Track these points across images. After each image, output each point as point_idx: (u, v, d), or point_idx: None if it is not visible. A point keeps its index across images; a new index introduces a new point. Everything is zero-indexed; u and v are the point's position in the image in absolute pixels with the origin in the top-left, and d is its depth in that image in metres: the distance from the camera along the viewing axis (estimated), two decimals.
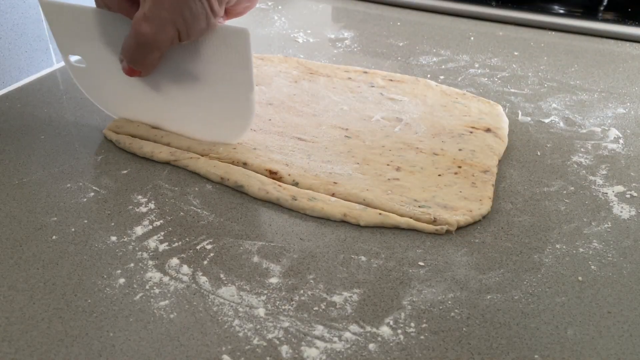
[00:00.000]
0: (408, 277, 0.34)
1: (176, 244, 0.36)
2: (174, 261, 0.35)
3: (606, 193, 0.43)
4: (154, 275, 0.34)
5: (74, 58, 0.45)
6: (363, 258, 0.36)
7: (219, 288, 0.33)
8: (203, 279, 0.34)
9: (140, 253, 0.35)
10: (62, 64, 0.60)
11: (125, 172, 0.43)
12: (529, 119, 0.53)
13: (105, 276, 0.34)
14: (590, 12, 0.77)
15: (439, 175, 0.43)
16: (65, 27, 0.42)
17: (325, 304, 0.32)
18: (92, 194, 0.41)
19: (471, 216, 0.39)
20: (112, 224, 0.38)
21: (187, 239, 0.37)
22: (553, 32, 0.75)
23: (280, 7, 0.80)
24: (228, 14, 0.41)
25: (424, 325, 0.31)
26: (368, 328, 0.31)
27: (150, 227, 0.38)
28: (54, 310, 0.31)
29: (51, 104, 0.52)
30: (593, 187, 0.43)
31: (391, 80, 0.57)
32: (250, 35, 0.37)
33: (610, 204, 0.41)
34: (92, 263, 0.34)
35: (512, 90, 0.58)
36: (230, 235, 0.37)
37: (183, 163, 0.44)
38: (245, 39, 0.37)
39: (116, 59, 0.41)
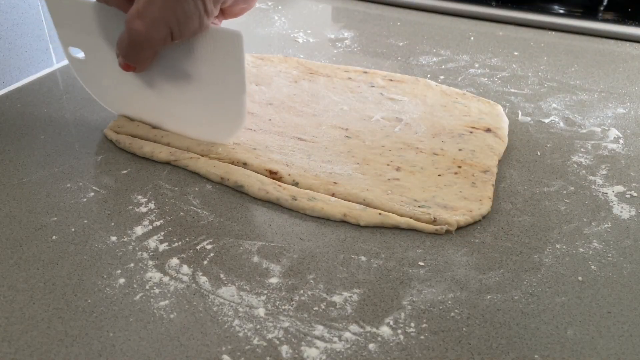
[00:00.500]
0: (408, 277, 0.34)
1: (176, 244, 0.36)
2: (174, 261, 0.35)
3: (606, 193, 0.43)
4: (154, 275, 0.34)
5: (74, 50, 0.45)
6: (363, 258, 0.36)
7: (219, 288, 0.33)
8: (203, 279, 0.34)
9: (140, 253, 0.35)
10: (62, 64, 0.60)
11: (125, 172, 0.43)
12: (529, 119, 0.53)
13: (105, 276, 0.34)
14: (590, 12, 0.77)
15: (439, 175, 0.43)
16: (66, 19, 0.43)
17: (325, 304, 0.32)
18: (92, 194, 0.41)
19: (471, 216, 0.39)
20: (112, 224, 0.38)
21: (187, 239, 0.37)
22: (553, 32, 0.75)
23: (280, 7, 0.80)
24: (225, 14, 0.41)
25: (424, 325, 0.31)
26: (368, 328, 0.31)
27: (150, 227, 0.38)
28: (54, 310, 0.31)
29: (51, 104, 0.52)
30: (593, 187, 0.43)
31: (391, 80, 0.57)
32: (244, 38, 0.37)
33: (610, 204, 0.41)
34: (92, 263, 0.34)
35: (512, 90, 0.58)
36: (230, 235, 0.37)
37: (183, 163, 0.44)
38: (238, 42, 0.37)
39: (114, 53, 0.41)
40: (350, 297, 0.33)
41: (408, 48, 0.68)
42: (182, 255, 0.35)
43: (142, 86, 0.44)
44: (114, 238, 0.36)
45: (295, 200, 0.40)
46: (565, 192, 0.43)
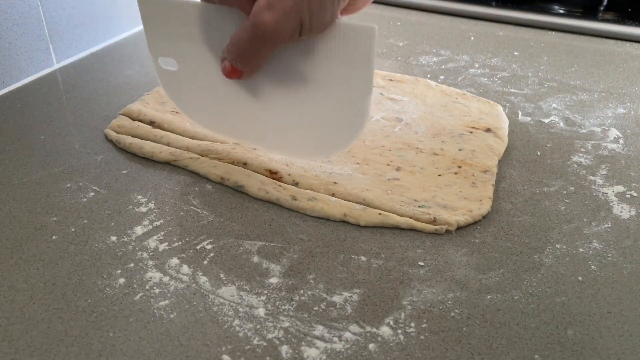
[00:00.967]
0: (408, 277, 0.34)
1: (176, 244, 0.36)
2: (174, 261, 0.35)
3: (606, 193, 0.43)
4: (154, 275, 0.34)
5: (165, 61, 0.41)
6: (363, 258, 0.36)
7: (219, 288, 0.33)
8: (203, 279, 0.34)
9: (140, 253, 0.35)
10: (62, 64, 0.60)
11: (125, 172, 0.43)
12: (529, 119, 0.53)
13: (105, 276, 0.34)
14: (590, 12, 0.77)
15: (439, 175, 0.43)
16: (160, 27, 0.39)
17: (325, 304, 0.32)
18: (92, 194, 0.41)
19: (471, 216, 0.39)
20: (112, 224, 0.38)
21: (187, 239, 0.37)
22: (553, 32, 0.75)
23: None
24: (345, 10, 0.37)
25: (424, 325, 0.31)
26: (368, 328, 0.31)
27: (150, 227, 0.38)
28: (54, 310, 0.31)
29: (51, 104, 0.52)
30: (593, 187, 0.43)
31: (391, 80, 0.57)
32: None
33: (610, 204, 0.41)
34: (92, 263, 0.34)
35: (512, 90, 0.58)
36: (230, 235, 0.37)
37: (183, 163, 0.44)
38: (371, 37, 0.33)
39: (214, 60, 0.38)
40: (350, 297, 0.33)
41: (408, 48, 0.68)
42: (182, 255, 0.35)
43: (244, 97, 0.39)
44: (114, 238, 0.36)
45: (295, 200, 0.40)
46: (565, 192, 0.43)
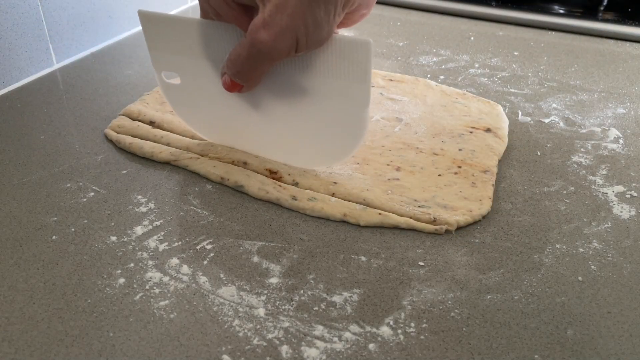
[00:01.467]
0: (408, 277, 0.34)
1: (176, 244, 0.36)
2: (174, 261, 0.35)
3: (606, 193, 0.43)
4: (154, 275, 0.34)
5: (167, 75, 0.42)
6: (363, 258, 0.36)
7: (219, 288, 0.33)
8: (203, 279, 0.34)
9: (140, 253, 0.35)
10: (62, 64, 0.60)
11: (125, 172, 0.43)
12: (529, 119, 0.53)
13: (105, 276, 0.34)
14: (590, 12, 0.77)
15: (439, 175, 0.43)
16: (162, 42, 0.40)
17: (325, 304, 0.32)
18: (92, 194, 0.41)
19: (471, 216, 0.39)
20: (112, 224, 0.38)
21: (187, 239, 0.37)
22: (553, 32, 0.75)
23: None
24: (343, 22, 0.38)
25: (424, 325, 0.31)
26: (368, 328, 0.31)
27: (150, 227, 0.38)
28: (54, 310, 0.31)
29: (51, 104, 0.52)
30: (593, 187, 0.43)
31: (391, 80, 0.57)
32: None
33: (610, 204, 0.41)
34: (92, 263, 0.34)
35: (512, 90, 0.58)
36: (230, 235, 0.37)
37: (183, 163, 0.44)
38: (367, 50, 0.34)
39: (216, 74, 0.39)
40: (350, 297, 0.33)
41: (408, 48, 0.68)
42: (182, 255, 0.35)
43: (245, 110, 0.41)
44: (114, 238, 0.36)
45: (295, 200, 0.40)
46: (565, 192, 0.43)
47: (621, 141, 0.50)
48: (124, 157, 0.45)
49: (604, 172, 0.45)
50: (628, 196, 0.42)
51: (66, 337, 0.30)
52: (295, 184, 0.41)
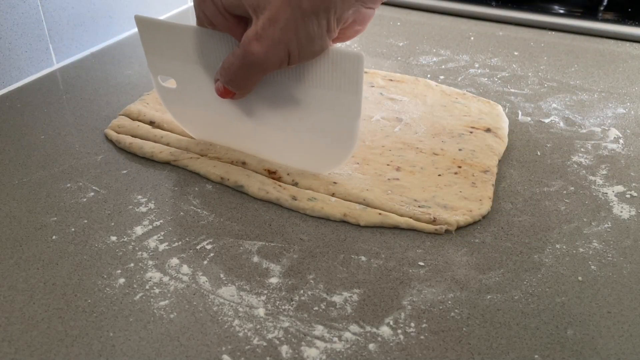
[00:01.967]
0: (408, 277, 0.34)
1: (176, 244, 0.36)
2: (174, 261, 0.35)
3: (606, 193, 0.43)
4: (154, 275, 0.34)
5: (164, 79, 0.43)
6: (363, 258, 0.36)
7: (219, 288, 0.33)
8: (203, 279, 0.34)
9: (140, 253, 0.35)
10: (62, 64, 0.60)
11: (125, 172, 0.43)
12: (529, 119, 0.53)
13: (105, 276, 0.34)
14: (590, 12, 0.77)
15: (439, 175, 0.43)
16: (159, 47, 0.40)
17: (325, 304, 0.32)
18: (92, 194, 0.41)
19: (471, 216, 0.39)
20: (112, 224, 0.38)
21: (187, 239, 0.37)
22: (553, 32, 0.75)
23: None
24: (337, 37, 0.38)
25: (424, 325, 0.31)
26: (368, 328, 0.31)
27: (150, 227, 0.38)
28: (54, 310, 0.31)
29: (51, 104, 0.52)
30: (593, 187, 0.43)
31: (391, 80, 0.57)
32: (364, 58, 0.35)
33: (610, 204, 0.41)
34: (92, 263, 0.34)
35: (512, 90, 0.58)
36: (230, 235, 0.37)
37: (183, 163, 0.44)
38: (358, 63, 0.34)
39: (210, 80, 0.40)
40: (350, 297, 0.33)
41: (408, 48, 0.68)
42: (182, 255, 0.35)
43: (239, 115, 0.41)
44: (114, 238, 0.36)
45: (295, 200, 0.40)
46: (565, 192, 0.43)
47: (621, 141, 0.50)
48: (124, 157, 0.45)
49: (604, 172, 0.45)
50: (628, 196, 0.42)
51: (66, 337, 0.30)
52: (295, 184, 0.41)
